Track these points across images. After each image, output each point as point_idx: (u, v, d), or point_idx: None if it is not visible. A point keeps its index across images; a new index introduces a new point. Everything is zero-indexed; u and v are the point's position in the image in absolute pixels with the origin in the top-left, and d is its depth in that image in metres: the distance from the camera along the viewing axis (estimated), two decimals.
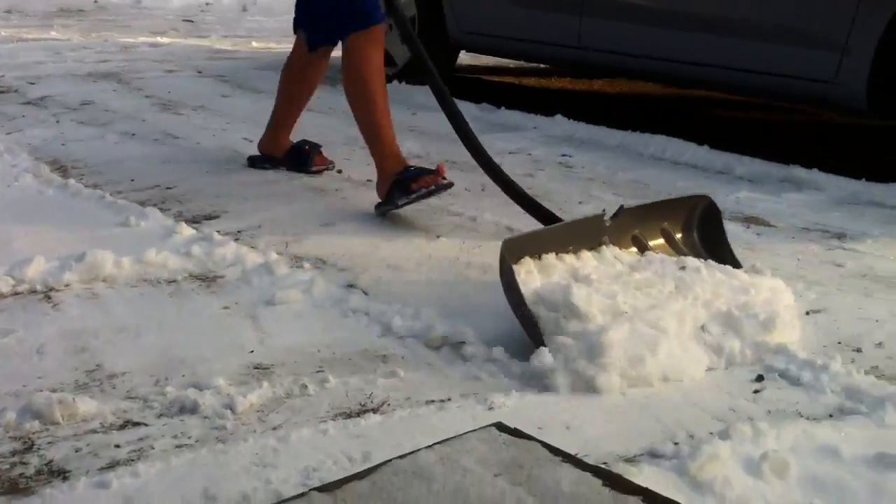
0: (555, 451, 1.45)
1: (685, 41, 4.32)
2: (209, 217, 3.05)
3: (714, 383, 1.99)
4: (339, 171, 3.61)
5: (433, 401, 1.90)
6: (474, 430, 1.55)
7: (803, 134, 4.88)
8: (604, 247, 2.44)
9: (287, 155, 3.59)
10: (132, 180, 3.39)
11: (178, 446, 1.71)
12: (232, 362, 2.05)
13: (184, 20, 8.40)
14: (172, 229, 2.81)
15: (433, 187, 2.94)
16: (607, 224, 2.46)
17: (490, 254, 2.72)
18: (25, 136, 3.84)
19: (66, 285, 2.42)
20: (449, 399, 1.91)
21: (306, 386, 1.95)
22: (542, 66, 6.69)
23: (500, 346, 2.11)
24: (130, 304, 2.35)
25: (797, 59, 3.88)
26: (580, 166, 3.86)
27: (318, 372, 2.02)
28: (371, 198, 3.17)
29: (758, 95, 4.83)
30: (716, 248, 2.59)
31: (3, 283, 2.39)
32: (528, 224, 2.75)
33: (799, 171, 3.69)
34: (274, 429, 1.78)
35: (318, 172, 3.58)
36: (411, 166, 3.05)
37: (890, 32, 3.54)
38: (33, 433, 1.75)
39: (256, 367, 2.04)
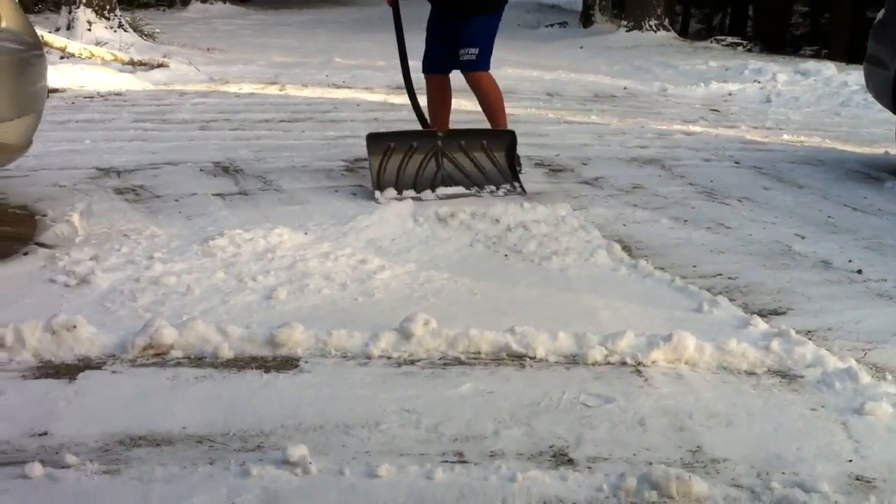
0: None
1: None
2: (775, 312, 3.06)
3: None
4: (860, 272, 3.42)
5: None
6: None
7: None
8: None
9: None
10: (694, 267, 3.52)
11: None
12: (831, 468, 2.03)
13: (710, 109, 8.58)
14: (746, 321, 2.87)
15: None
16: (440, 136, 4.55)
17: None
18: (590, 214, 4.18)
19: (653, 362, 2.58)
20: None
21: None
22: None
23: None
24: (716, 389, 2.44)
25: None
26: None
27: None
28: None
29: None
30: (510, 163, 4.59)
31: (598, 351, 2.61)
32: None
33: None
34: None
35: None
36: None
37: None
38: (652, 503, 1.88)
39: (858, 479, 2.00)
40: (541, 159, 5.60)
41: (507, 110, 7.48)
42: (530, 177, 5.13)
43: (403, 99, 8.22)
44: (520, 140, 6.28)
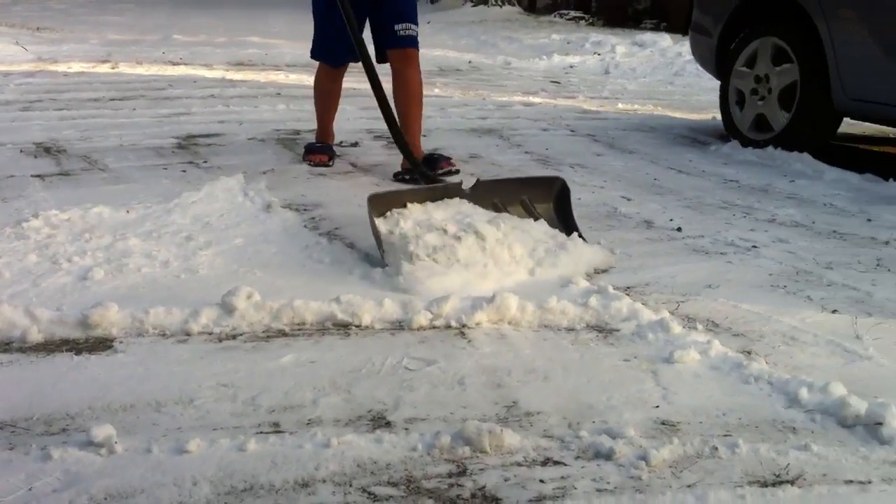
0: None
1: None
2: (597, 271, 3.15)
3: None
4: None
5: (853, 481, 1.83)
6: None
7: None
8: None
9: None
10: None
11: (599, 490, 1.78)
12: (638, 415, 2.11)
13: (551, 81, 8.76)
14: (568, 280, 2.94)
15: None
16: (466, 192, 3.26)
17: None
18: None
19: (477, 323, 2.61)
20: (870, 482, 1.83)
21: (717, 448, 1.95)
22: None
23: None
24: (535, 347, 2.49)
25: None
26: None
27: (727, 436, 2.01)
28: (764, 268, 3.12)
29: None
30: (566, 219, 3.36)
31: (423, 316, 2.62)
32: None
33: None
34: (689, 486, 1.80)
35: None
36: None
37: None
38: (465, 458, 1.90)
39: (663, 423, 2.08)
40: (381, 132, 5.59)
41: (353, 85, 7.48)
42: (369, 149, 5.13)
43: (242, 75, 8.10)
44: (363, 115, 6.27)
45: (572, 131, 5.94)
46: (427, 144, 5.29)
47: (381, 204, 3.14)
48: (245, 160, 4.54)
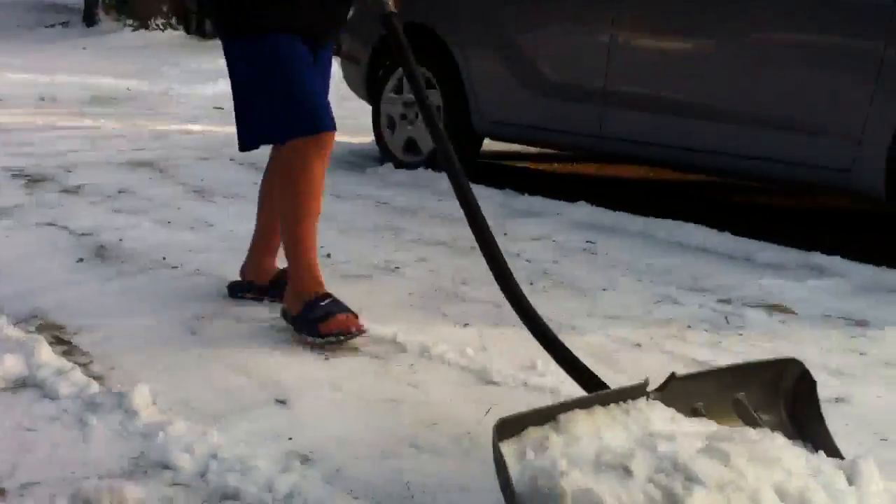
0: None
1: (704, 130, 4.42)
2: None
3: None
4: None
5: None
6: None
7: (823, 220, 4.96)
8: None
9: (272, 283, 3.14)
10: (174, 267, 3.50)
11: None
12: (272, 447, 2.12)
13: (215, 108, 8.63)
14: None
15: (344, 335, 2.71)
16: (653, 396, 1.90)
17: None
18: (68, 225, 3.97)
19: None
20: None
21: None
22: (564, 152, 6.83)
23: None
24: None
25: (816, 148, 3.98)
26: (604, 253, 3.94)
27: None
28: (404, 288, 3.25)
29: (777, 184, 4.94)
30: (811, 428, 1.98)
31: (47, 369, 2.48)
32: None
33: (820, 258, 3.75)
34: None
35: None
36: (324, 297, 2.78)
37: None
38: None
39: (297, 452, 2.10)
40: (20, 170, 5.24)
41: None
42: (6, 190, 4.77)
43: None
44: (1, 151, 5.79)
45: (232, 160, 5.89)
46: (71, 181, 5.02)
47: (516, 435, 1.79)
48: None
